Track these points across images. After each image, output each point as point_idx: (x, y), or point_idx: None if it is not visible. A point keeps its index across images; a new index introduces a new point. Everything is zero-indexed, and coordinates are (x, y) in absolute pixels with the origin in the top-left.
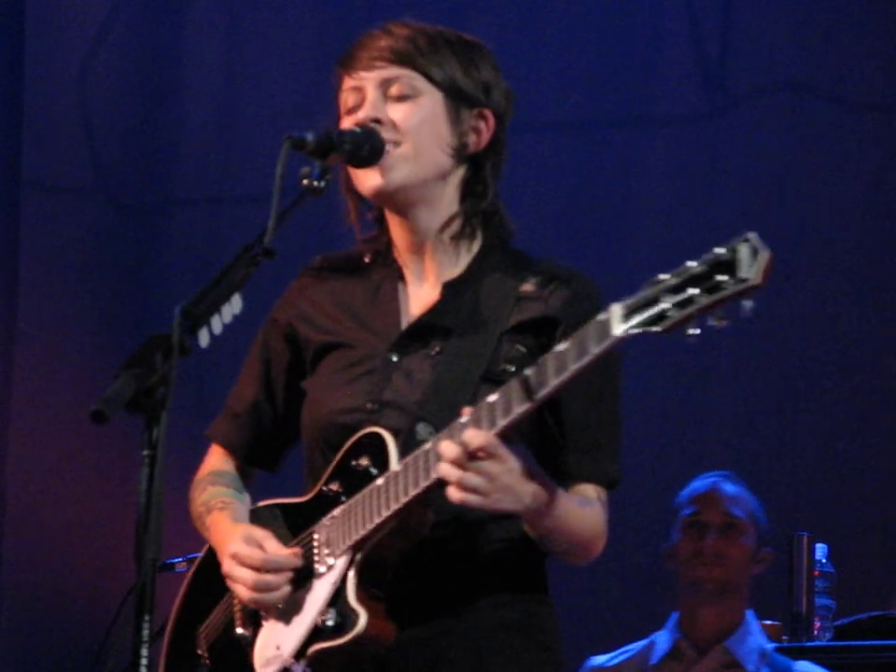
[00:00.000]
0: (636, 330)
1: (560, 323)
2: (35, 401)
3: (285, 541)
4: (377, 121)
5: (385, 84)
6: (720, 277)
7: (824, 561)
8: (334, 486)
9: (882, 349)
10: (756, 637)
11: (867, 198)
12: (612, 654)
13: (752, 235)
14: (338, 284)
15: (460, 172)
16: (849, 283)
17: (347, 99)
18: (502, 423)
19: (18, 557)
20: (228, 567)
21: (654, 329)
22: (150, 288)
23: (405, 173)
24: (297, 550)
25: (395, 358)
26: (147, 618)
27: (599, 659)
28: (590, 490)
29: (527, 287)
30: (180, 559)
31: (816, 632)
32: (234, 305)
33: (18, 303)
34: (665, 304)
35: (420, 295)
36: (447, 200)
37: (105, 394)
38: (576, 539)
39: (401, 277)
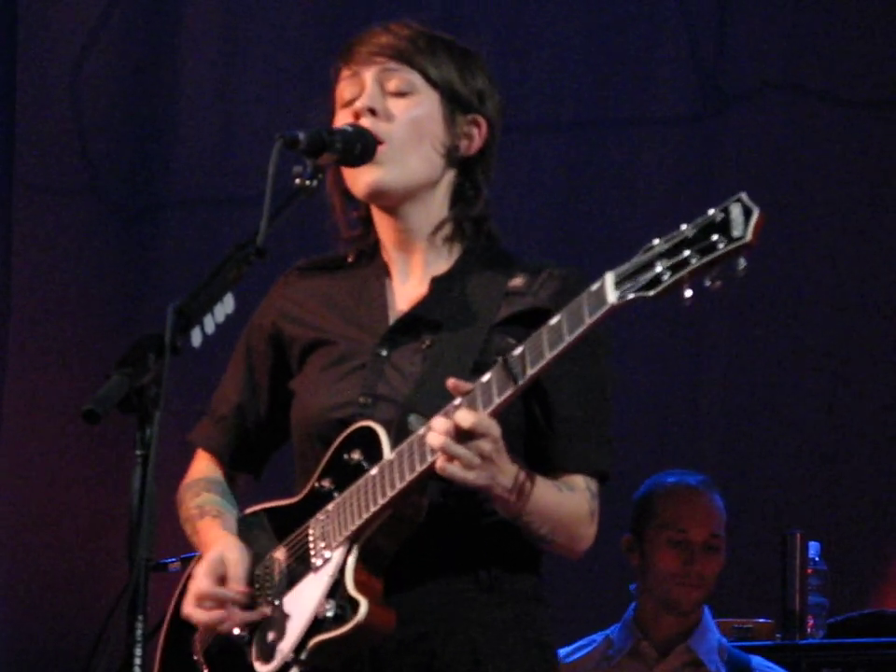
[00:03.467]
0: (630, 296)
1: (551, 313)
2: (26, 401)
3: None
4: (372, 112)
5: (383, 77)
6: (713, 238)
7: (817, 559)
8: (326, 483)
9: (877, 346)
10: (714, 633)
11: (864, 197)
12: (569, 648)
13: (744, 195)
14: (322, 283)
15: (450, 175)
16: (847, 281)
17: (344, 91)
18: (497, 401)
19: (9, 559)
20: (191, 587)
21: (649, 293)
22: (143, 289)
23: (399, 168)
24: (246, 590)
25: (384, 353)
26: (140, 618)
27: (560, 652)
28: (577, 480)
29: (516, 281)
30: (174, 559)
31: (809, 630)
32: (227, 305)
33: (10, 304)
34: (658, 268)
35: (406, 291)
36: (437, 201)
37: (98, 393)
38: (554, 523)
39: (387, 274)
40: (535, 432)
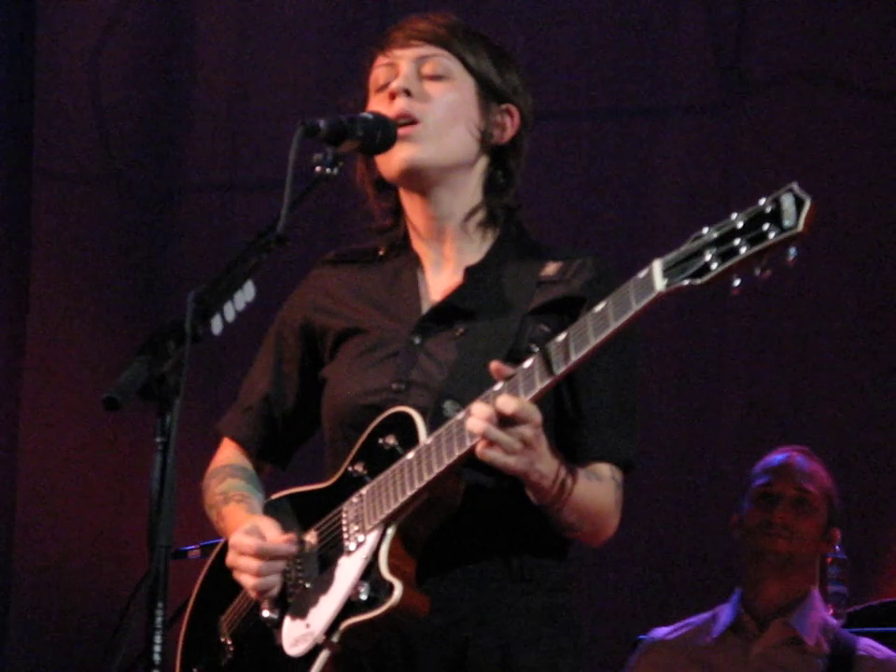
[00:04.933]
0: (680, 283)
1: (584, 302)
2: (47, 389)
3: (301, 529)
4: (408, 93)
5: (419, 61)
6: (764, 227)
7: (837, 548)
8: (359, 467)
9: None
10: (819, 612)
11: (885, 187)
12: (674, 626)
13: (795, 185)
14: (354, 274)
15: (483, 163)
16: (863, 271)
17: (378, 76)
18: (540, 387)
19: (30, 545)
20: (230, 557)
21: (698, 281)
22: (162, 275)
23: (434, 146)
24: (292, 536)
25: (417, 341)
26: (160, 605)
27: (661, 631)
28: (604, 469)
29: (548, 271)
30: (193, 546)
31: None
32: (247, 293)
33: (29, 290)
34: (707, 257)
35: (440, 281)
36: (470, 188)
37: (118, 381)
38: (582, 511)
39: (419, 265)
40: (563, 420)
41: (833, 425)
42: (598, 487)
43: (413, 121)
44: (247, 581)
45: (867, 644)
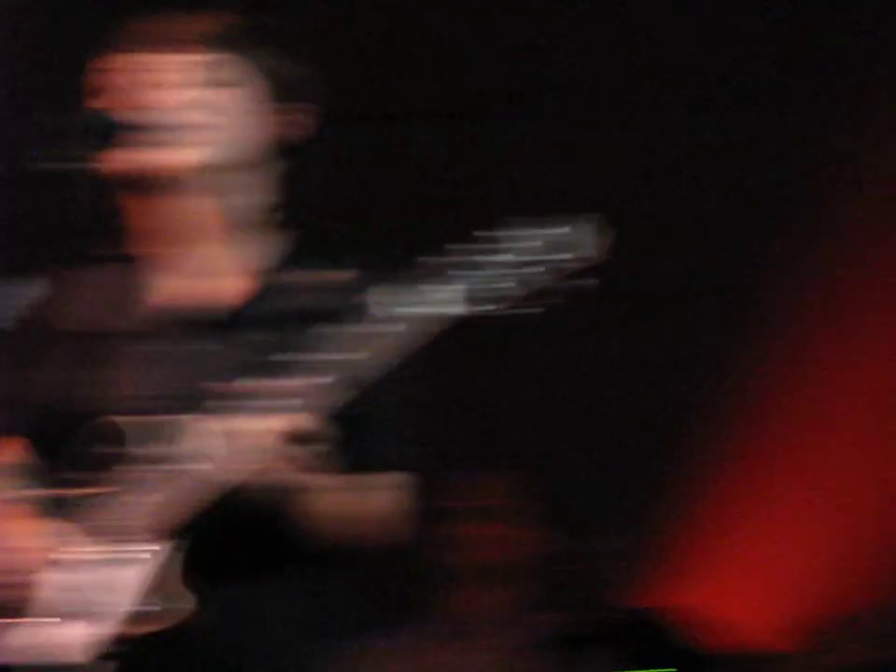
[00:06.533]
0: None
1: (350, 312)
2: None
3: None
4: (185, 104)
5: (195, 68)
6: (557, 256)
7: None
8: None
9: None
10: None
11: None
12: None
13: (589, 216)
14: (104, 278)
15: (267, 164)
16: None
17: (146, 81)
18: (320, 404)
19: None
20: None
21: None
22: None
23: (212, 153)
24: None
25: (173, 348)
26: None
27: None
28: (390, 476)
29: (321, 278)
30: None
31: None
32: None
33: None
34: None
35: (204, 287)
36: (252, 191)
37: None
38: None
39: (178, 269)
40: (348, 427)
41: None
42: (386, 496)
43: (192, 130)
44: None
45: None
